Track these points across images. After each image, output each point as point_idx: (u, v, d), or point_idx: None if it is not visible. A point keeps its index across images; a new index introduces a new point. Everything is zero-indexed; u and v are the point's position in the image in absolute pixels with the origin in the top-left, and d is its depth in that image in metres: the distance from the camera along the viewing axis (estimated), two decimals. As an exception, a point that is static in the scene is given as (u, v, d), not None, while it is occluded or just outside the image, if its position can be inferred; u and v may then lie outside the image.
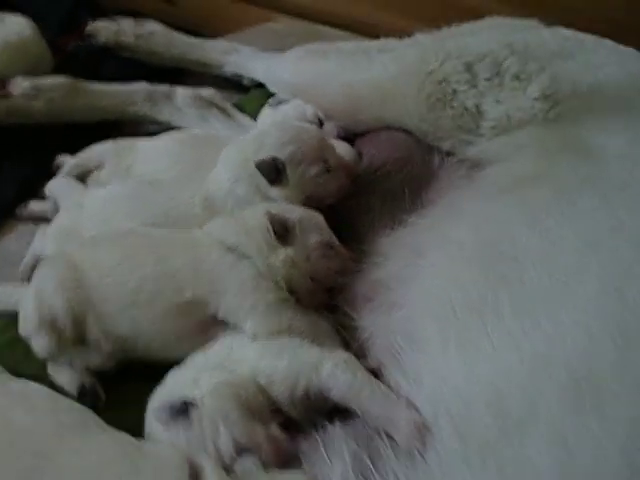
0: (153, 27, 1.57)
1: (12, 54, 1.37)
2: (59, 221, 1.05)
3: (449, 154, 1.08)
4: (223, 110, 1.43)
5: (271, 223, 0.90)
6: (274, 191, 0.98)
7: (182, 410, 0.74)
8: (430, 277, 0.85)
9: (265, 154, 0.97)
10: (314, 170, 0.98)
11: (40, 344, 0.88)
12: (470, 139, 1.06)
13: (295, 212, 0.93)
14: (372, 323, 0.88)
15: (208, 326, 0.87)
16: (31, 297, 0.89)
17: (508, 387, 0.71)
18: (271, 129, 1.02)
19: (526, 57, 1.11)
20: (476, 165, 1.03)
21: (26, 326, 0.89)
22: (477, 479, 0.65)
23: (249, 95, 1.54)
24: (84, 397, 0.87)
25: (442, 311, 0.80)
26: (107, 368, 0.90)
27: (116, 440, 0.73)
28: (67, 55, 1.53)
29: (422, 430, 0.72)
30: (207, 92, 1.44)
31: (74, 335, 0.88)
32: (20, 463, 0.67)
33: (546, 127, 1.02)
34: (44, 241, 1.03)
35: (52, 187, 1.17)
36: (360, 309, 0.90)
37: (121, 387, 0.90)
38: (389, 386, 0.78)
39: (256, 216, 0.92)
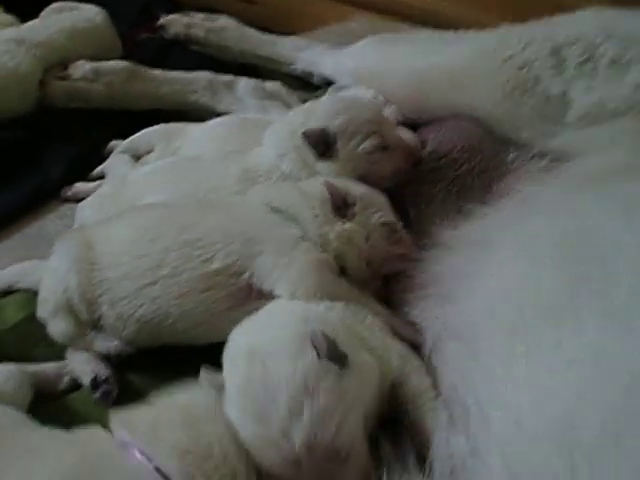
0: (225, 22, 1.54)
1: (80, 40, 1.37)
2: (101, 190, 1.02)
3: (526, 146, 0.95)
4: (287, 104, 1.36)
5: (330, 192, 0.81)
6: (322, 166, 0.88)
7: None
8: (497, 275, 0.73)
9: (314, 124, 0.88)
10: (368, 145, 0.88)
11: (57, 329, 0.82)
12: (553, 129, 0.94)
13: (358, 187, 0.84)
14: (426, 319, 0.77)
15: (242, 298, 0.77)
16: (47, 277, 0.83)
17: (584, 413, 0.57)
18: (322, 99, 0.94)
19: (627, 41, 0.97)
20: (560, 157, 0.90)
21: (43, 308, 0.83)
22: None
23: (316, 93, 1.46)
24: (96, 389, 0.79)
25: (508, 315, 0.67)
26: (126, 353, 0.82)
27: None
28: (136, 46, 1.51)
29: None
30: (272, 85, 1.38)
31: (90, 319, 0.81)
32: None
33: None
34: (82, 209, 1.01)
35: (107, 164, 1.16)
36: (414, 301, 0.79)
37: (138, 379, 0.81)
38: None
39: (314, 185, 0.84)
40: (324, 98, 0.97)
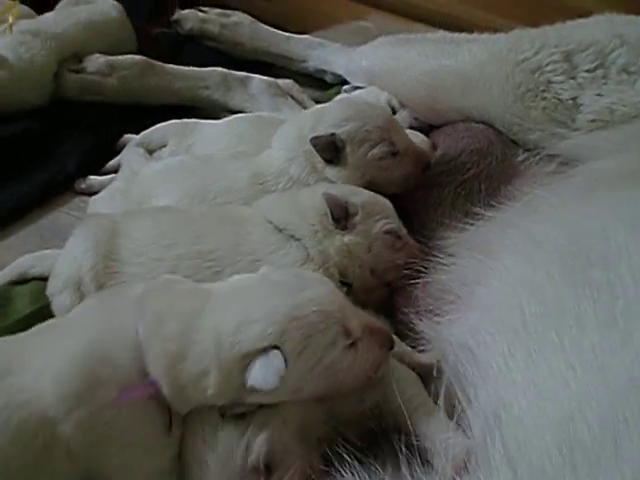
0: (239, 18, 1.55)
1: (95, 33, 1.37)
2: (113, 184, 1.03)
3: (535, 149, 0.96)
4: (298, 101, 1.36)
5: (329, 205, 0.80)
6: (331, 172, 0.89)
7: None
8: (501, 280, 0.73)
9: (323, 130, 0.88)
10: (378, 152, 0.88)
11: (60, 304, 0.82)
12: (563, 133, 0.94)
13: (359, 195, 0.84)
14: (431, 328, 0.77)
15: None
16: (64, 254, 0.84)
17: (584, 416, 0.57)
18: (332, 104, 0.94)
19: (638, 49, 0.97)
20: (568, 161, 0.92)
21: (53, 283, 0.84)
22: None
23: (328, 92, 1.47)
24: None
25: (511, 321, 0.68)
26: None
27: None
28: (151, 40, 1.52)
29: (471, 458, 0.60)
30: (285, 82, 1.38)
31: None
32: None
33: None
34: (95, 202, 1.02)
35: (121, 157, 1.17)
36: (419, 311, 0.79)
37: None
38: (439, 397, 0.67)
39: (313, 196, 0.83)
40: (334, 102, 0.97)
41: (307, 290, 0.63)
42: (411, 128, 1.05)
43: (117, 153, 1.19)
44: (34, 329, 0.68)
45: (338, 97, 1.20)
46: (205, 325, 0.62)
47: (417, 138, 1.00)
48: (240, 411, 0.62)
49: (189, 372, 0.60)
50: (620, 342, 0.59)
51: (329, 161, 0.88)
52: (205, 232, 0.81)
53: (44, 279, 0.91)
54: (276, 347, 0.60)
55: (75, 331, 0.65)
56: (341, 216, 0.80)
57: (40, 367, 0.60)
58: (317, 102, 1.41)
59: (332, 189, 0.82)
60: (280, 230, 0.81)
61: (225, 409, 0.62)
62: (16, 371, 0.61)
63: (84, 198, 1.11)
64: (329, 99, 1.38)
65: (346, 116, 0.89)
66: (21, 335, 0.68)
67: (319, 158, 0.88)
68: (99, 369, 0.60)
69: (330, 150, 0.87)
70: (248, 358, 0.60)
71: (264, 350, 0.59)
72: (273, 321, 0.60)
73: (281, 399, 0.62)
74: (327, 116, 0.90)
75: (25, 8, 1.42)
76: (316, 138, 0.87)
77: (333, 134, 0.87)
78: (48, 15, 1.37)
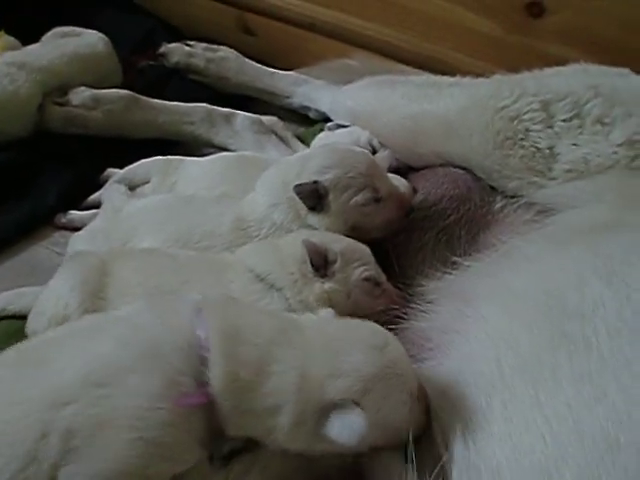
0: (225, 53, 1.56)
1: (81, 65, 1.38)
2: (94, 223, 1.03)
3: (513, 197, 0.98)
4: (282, 138, 1.38)
5: (309, 253, 0.81)
6: (314, 219, 0.90)
7: None
8: (477, 330, 0.74)
9: (307, 177, 0.89)
10: (361, 198, 0.89)
11: None
12: (540, 181, 0.96)
13: (339, 242, 0.84)
14: None
15: None
16: (48, 292, 0.83)
17: (560, 472, 0.58)
18: (316, 151, 0.95)
19: (612, 101, 1.00)
20: (545, 210, 0.93)
21: (37, 320, 0.83)
22: None
23: (312, 128, 1.49)
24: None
25: (488, 373, 0.68)
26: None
27: None
28: (137, 72, 1.52)
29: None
30: (268, 119, 1.40)
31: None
32: None
33: (629, 175, 0.90)
34: (75, 240, 1.01)
35: (102, 193, 1.17)
36: None
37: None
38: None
39: (293, 243, 0.84)
40: (317, 148, 0.98)
41: (389, 350, 0.66)
42: (390, 169, 1.07)
43: (100, 187, 1.19)
44: (79, 324, 0.69)
45: (321, 135, 1.21)
46: (288, 360, 0.61)
47: (398, 182, 1.02)
48: (227, 449, 0.62)
49: (258, 403, 0.60)
50: (594, 397, 0.60)
51: (312, 208, 0.89)
52: (191, 278, 0.81)
53: (20, 317, 0.90)
54: (356, 403, 0.61)
55: (129, 327, 0.64)
56: (320, 264, 0.81)
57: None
58: (301, 139, 1.44)
59: (312, 236, 0.83)
60: (261, 279, 0.81)
61: (216, 448, 0.61)
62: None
63: (64, 233, 1.11)
64: (314, 135, 1.41)
65: (329, 163, 0.90)
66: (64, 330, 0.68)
67: (302, 205, 0.89)
68: (155, 366, 0.59)
69: (313, 198, 0.88)
70: (327, 409, 0.60)
71: (344, 404, 0.60)
72: (361, 378, 0.62)
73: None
74: (310, 163, 0.91)
75: (11, 39, 1.43)
76: (299, 186, 0.88)
77: (316, 182, 0.88)
78: (34, 47, 1.38)
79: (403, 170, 1.10)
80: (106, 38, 1.46)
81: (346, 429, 0.59)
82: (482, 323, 0.73)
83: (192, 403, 0.58)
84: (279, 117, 1.45)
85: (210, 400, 0.59)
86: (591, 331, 0.65)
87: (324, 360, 0.62)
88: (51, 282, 0.85)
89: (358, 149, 0.97)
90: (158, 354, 0.59)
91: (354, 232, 0.90)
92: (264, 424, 0.60)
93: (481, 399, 0.65)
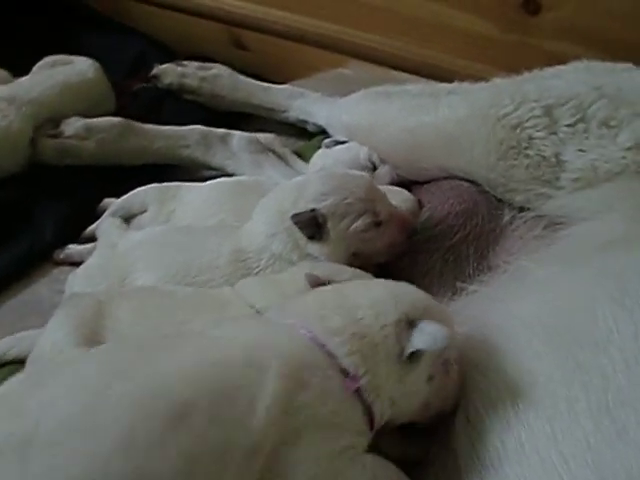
0: (219, 70, 1.54)
1: (73, 95, 1.35)
2: (90, 260, 1.00)
3: (522, 209, 0.94)
4: (280, 156, 1.35)
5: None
6: (314, 247, 0.87)
7: None
8: (488, 362, 0.70)
9: (304, 205, 0.87)
10: (361, 224, 0.86)
11: None
12: (548, 192, 0.92)
13: (343, 274, 0.81)
14: None
15: None
16: (45, 335, 0.81)
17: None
18: (312, 177, 0.92)
19: (617, 102, 0.96)
20: (555, 223, 0.89)
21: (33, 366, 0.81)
22: None
23: (311, 142, 1.46)
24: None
25: (502, 407, 0.65)
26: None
27: None
28: (130, 97, 1.50)
29: None
30: (265, 137, 1.37)
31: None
32: None
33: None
34: (73, 279, 0.98)
35: (97, 226, 1.14)
36: None
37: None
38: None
39: (295, 278, 0.81)
40: (314, 174, 0.95)
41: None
42: (392, 184, 1.04)
43: (97, 218, 1.17)
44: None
45: (319, 152, 1.19)
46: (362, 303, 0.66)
47: (401, 195, 0.99)
48: None
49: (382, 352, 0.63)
50: (615, 433, 0.57)
51: (311, 237, 0.86)
52: (189, 317, 0.79)
53: (21, 361, 0.88)
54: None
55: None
56: None
57: None
58: (299, 154, 1.41)
59: (315, 269, 0.80)
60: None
61: None
62: None
63: (64, 269, 1.09)
64: (313, 149, 1.38)
65: (326, 190, 0.87)
66: None
67: (301, 234, 0.86)
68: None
69: (312, 226, 0.85)
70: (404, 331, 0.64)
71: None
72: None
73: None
74: (307, 191, 0.88)
75: (1, 71, 1.41)
76: (297, 215, 0.85)
77: (314, 209, 0.86)
78: (24, 79, 1.35)
79: (406, 184, 1.07)
80: (97, 64, 1.43)
81: (432, 334, 0.63)
82: (492, 354, 0.69)
83: (351, 388, 0.61)
84: (276, 132, 1.44)
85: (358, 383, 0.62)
86: (606, 360, 0.62)
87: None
88: (47, 326, 0.83)
89: (356, 173, 0.94)
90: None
91: (357, 259, 0.87)
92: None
93: (495, 439, 0.62)
